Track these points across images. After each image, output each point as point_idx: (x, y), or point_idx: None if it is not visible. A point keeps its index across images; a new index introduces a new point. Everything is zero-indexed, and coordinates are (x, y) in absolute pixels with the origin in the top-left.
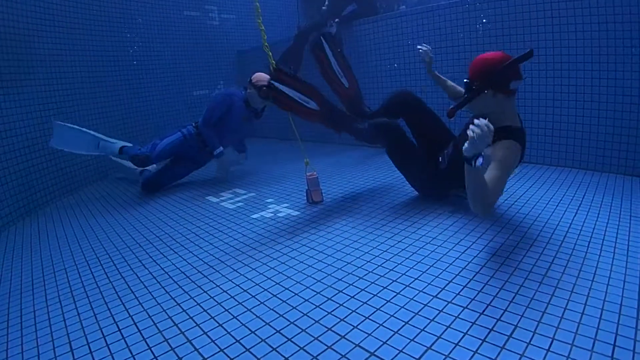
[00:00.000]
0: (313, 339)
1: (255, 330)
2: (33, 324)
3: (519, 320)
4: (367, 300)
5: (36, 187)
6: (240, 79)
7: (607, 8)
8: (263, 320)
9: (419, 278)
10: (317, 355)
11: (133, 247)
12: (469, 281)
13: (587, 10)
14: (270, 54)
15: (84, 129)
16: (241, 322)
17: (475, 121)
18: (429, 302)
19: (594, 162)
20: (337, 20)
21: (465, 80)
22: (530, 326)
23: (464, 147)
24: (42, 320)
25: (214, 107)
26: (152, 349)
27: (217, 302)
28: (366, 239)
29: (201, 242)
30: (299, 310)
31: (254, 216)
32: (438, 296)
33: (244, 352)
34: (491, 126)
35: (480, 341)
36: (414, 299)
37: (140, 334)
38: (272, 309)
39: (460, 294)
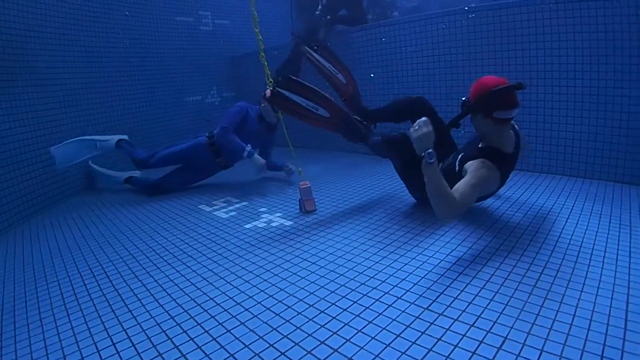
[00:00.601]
0: (306, 352)
1: (249, 345)
2: (27, 337)
3: (509, 332)
4: (360, 313)
5: (28, 195)
6: (234, 85)
7: (599, 25)
8: (256, 334)
9: (410, 290)
10: None
11: (126, 258)
12: (460, 292)
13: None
14: (266, 63)
15: (77, 138)
16: (235, 336)
17: (417, 121)
18: (420, 314)
19: (584, 169)
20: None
21: (462, 98)
22: (520, 338)
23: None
24: (37, 334)
25: (233, 113)
26: None
27: (210, 315)
28: (359, 250)
29: (194, 253)
30: (292, 324)
31: (247, 226)
32: (429, 308)
33: None
34: (430, 126)
35: (471, 354)
36: (406, 311)
37: (135, 348)
38: (266, 322)
39: (451, 305)
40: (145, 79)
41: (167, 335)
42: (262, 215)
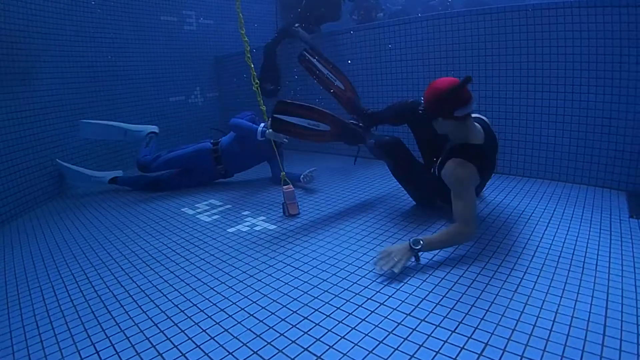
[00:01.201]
0: (290, 359)
1: (233, 352)
2: (10, 345)
3: (489, 338)
4: (343, 319)
5: (5, 199)
6: (218, 85)
7: (582, 32)
8: (240, 341)
9: (393, 296)
10: None
11: (108, 262)
12: (442, 298)
13: (562, 32)
14: (252, 65)
15: (110, 122)
16: (219, 343)
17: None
18: (402, 320)
19: (565, 173)
20: (297, 25)
21: (420, 108)
22: (500, 344)
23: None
24: (19, 342)
25: (243, 115)
26: None
27: (194, 322)
28: (342, 254)
29: (177, 257)
30: (275, 330)
31: (231, 230)
32: (411, 314)
33: None
34: (393, 252)
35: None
36: (389, 317)
37: (119, 356)
38: (249, 329)
39: (433, 311)
40: (127, 79)
41: (150, 342)
42: (246, 219)
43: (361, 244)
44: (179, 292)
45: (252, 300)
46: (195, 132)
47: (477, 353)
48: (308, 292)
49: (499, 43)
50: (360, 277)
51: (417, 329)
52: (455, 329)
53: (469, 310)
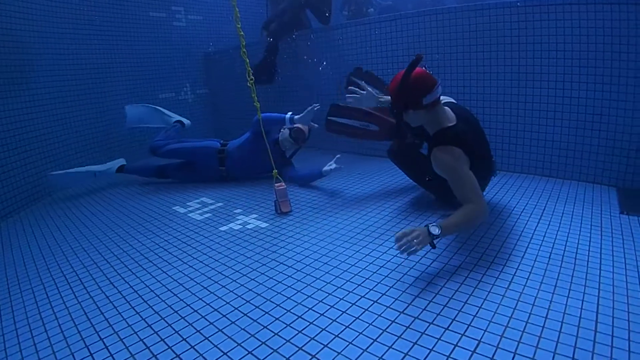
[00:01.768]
0: (285, 359)
1: (228, 352)
2: (3, 348)
3: (482, 335)
4: (337, 318)
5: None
6: (207, 82)
7: (573, 28)
8: (235, 341)
9: (386, 293)
10: None
11: (100, 263)
12: (435, 295)
13: (553, 29)
14: (248, 60)
15: (153, 106)
16: (213, 344)
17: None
18: (396, 318)
19: (556, 169)
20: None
21: (389, 106)
22: (494, 341)
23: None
24: (12, 345)
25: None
26: None
27: (188, 322)
28: (335, 252)
29: (169, 257)
30: (269, 330)
31: (223, 228)
32: (405, 312)
33: None
34: (413, 234)
35: (446, 357)
36: (382, 315)
37: (113, 358)
38: (243, 329)
39: (427, 309)
40: (116, 76)
41: (144, 344)
42: (238, 217)
43: (354, 241)
44: (172, 293)
45: (245, 300)
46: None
47: (470, 350)
48: (301, 291)
49: (490, 39)
50: (353, 275)
51: (410, 326)
52: (449, 327)
53: (462, 307)
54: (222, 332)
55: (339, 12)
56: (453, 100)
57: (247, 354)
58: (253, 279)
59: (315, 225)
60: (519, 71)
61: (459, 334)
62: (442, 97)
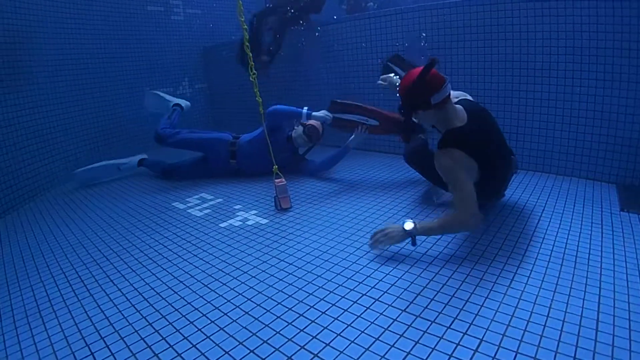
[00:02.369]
0: (287, 358)
1: (229, 351)
2: (3, 348)
3: (484, 334)
4: (338, 316)
5: None
6: (206, 77)
7: (575, 25)
8: (236, 340)
9: (388, 291)
10: None
11: (100, 260)
12: (436, 294)
13: (554, 25)
14: (251, 55)
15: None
16: (215, 342)
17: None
18: (398, 316)
19: (556, 166)
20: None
21: (399, 106)
22: (496, 340)
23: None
24: (12, 345)
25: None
26: None
27: (189, 320)
28: (336, 249)
29: (169, 254)
30: (271, 328)
31: (223, 225)
32: (407, 310)
33: None
34: (387, 230)
35: (448, 356)
36: (384, 313)
37: (114, 357)
38: (245, 327)
39: (428, 307)
40: (114, 71)
41: (146, 342)
42: (238, 213)
43: (355, 237)
44: (173, 290)
45: (246, 298)
46: (184, 123)
47: (472, 349)
48: (302, 289)
49: (491, 35)
50: (354, 273)
51: (412, 324)
52: (450, 325)
53: (464, 305)
54: (224, 331)
55: (338, 6)
56: (468, 97)
57: (249, 353)
58: (254, 277)
59: (316, 221)
60: (519, 67)
61: (461, 332)
62: (456, 93)
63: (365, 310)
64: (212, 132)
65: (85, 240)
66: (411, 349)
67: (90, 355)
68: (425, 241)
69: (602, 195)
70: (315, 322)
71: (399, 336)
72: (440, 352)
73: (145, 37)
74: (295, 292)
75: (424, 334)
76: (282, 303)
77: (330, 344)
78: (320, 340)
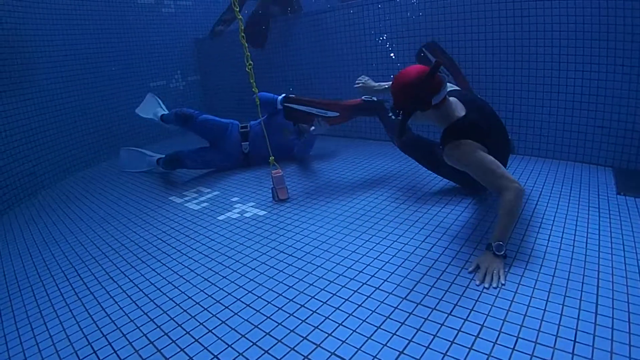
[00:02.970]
0: (289, 349)
1: (232, 344)
2: (6, 350)
3: (485, 319)
4: (339, 306)
5: None
6: (199, 69)
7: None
8: (238, 333)
9: (387, 280)
10: None
11: (99, 257)
12: (436, 281)
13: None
14: (246, 45)
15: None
16: (217, 336)
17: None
18: (398, 304)
19: (552, 150)
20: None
21: (391, 106)
22: (496, 325)
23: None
24: (15, 346)
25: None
26: None
27: (190, 315)
28: (335, 239)
29: (168, 249)
30: (273, 320)
31: (220, 218)
32: (407, 298)
33: None
34: (484, 264)
35: (449, 343)
36: (385, 302)
37: (117, 354)
38: (247, 320)
39: (428, 294)
40: (106, 66)
41: (148, 339)
42: (235, 205)
43: (353, 227)
44: (173, 285)
45: (247, 290)
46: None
47: (473, 335)
48: (303, 279)
49: (485, 20)
50: (354, 262)
51: (413, 312)
52: (451, 312)
53: (464, 292)
54: (226, 324)
55: None
56: (455, 87)
57: (252, 346)
58: (254, 269)
59: (314, 212)
60: (514, 52)
61: (462, 319)
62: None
63: (366, 299)
64: (222, 119)
65: (83, 237)
66: (412, 337)
67: (93, 354)
68: (424, 228)
69: (599, 179)
70: (317, 313)
71: (400, 324)
72: (442, 338)
73: (136, 31)
74: (295, 283)
75: (424, 321)
76: (283, 294)
77: (332, 334)
78: (322, 331)
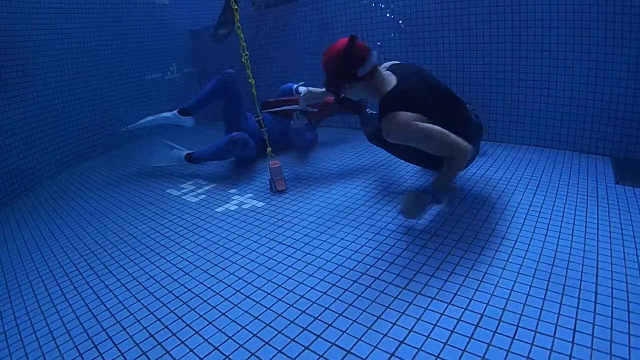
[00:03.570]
0: (290, 340)
1: (232, 336)
2: (6, 346)
3: (485, 308)
4: (339, 296)
5: None
6: (194, 60)
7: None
8: (239, 324)
9: (387, 269)
10: (295, 357)
11: (97, 252)
12: (436, 270)
13: None
14: (242, 35)
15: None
16: (217, 328)
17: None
18: (398, 294)
19: (550, 139)
20: None
21: (323, 82)
22: (496, 314)
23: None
24: (15, 342)
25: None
26: None
27: (190, 307)
28: (334, 229)
29: (167, 242)
30: (273, 311)
31: (219, 210)
32: (407, 288)
33: (224, 359)
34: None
35: (450, 332)
36: (384, 292)
37: (117, 348)
38: (247, 312)
39: (428, 284)
40: (100, 59)
41: (148, 332)
42: (233, 197)
43: (352, 217)
44: (172, 278)
45: (247, 282)
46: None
47: (473, 324)
48: (302, 270)
49: (482, 8)
50: (353, 252)
51: (413, 302)
52: (451, 301)
53: (463, 281)
54: (226, 316)
55: None
56: (397, 62)
57: (252, 337)
58: (253, 260)
59: (312, 202)
60: (512, 40)
61: (462, 308)
62: (385, 63)
63: (366, 289)
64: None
65: (82, 232)
66: (413, 326)
67: (93, 348)
68: (424, 220)
69: (597, 168)
70: (316, 303)
71: (400, 314)
72: (442, 327)
73: (131, 23)
74: (295, 274)
75: (425, 310)
76: (282, 285)
77: (333, 324)
78: (323, 321)
